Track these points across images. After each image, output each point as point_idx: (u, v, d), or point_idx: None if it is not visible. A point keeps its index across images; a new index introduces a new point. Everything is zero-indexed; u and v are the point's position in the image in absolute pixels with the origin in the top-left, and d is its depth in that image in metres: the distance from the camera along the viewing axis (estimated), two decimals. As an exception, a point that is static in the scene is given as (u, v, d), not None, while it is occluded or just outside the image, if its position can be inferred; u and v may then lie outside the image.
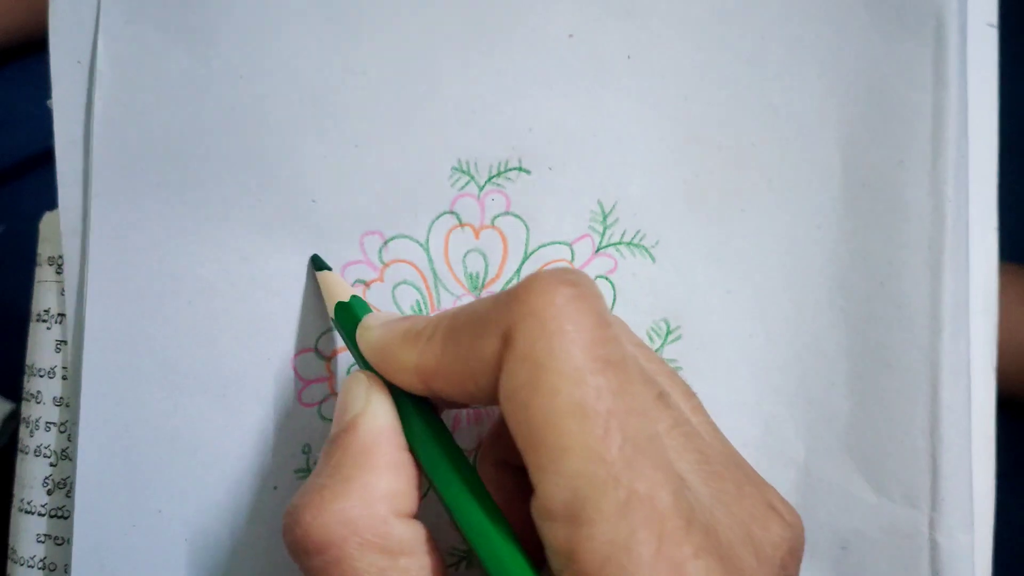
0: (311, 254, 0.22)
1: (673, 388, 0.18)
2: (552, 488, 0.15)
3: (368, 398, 0.18)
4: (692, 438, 0.17)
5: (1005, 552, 0.23)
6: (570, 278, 0.16)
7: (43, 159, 0.44)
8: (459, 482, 0.17)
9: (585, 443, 0.15)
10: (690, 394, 0.19)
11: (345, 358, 0.23)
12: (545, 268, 0.17)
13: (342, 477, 0.17)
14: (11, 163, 0.43)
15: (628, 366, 0.16)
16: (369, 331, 0.19)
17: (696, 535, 0.15)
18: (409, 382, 0.18)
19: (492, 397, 0.16)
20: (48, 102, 0.22)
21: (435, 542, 0.17)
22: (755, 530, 0.16)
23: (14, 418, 0.48)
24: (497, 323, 0.16)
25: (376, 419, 0.18)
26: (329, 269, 0.22)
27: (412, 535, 0.17)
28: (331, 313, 0.21)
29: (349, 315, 0.20)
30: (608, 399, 0.15)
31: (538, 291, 0.16)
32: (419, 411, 0.18)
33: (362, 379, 0.18)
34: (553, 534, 0.15)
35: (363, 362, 0.19)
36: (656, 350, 0.23)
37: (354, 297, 0.20)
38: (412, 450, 0.18)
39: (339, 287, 0.21)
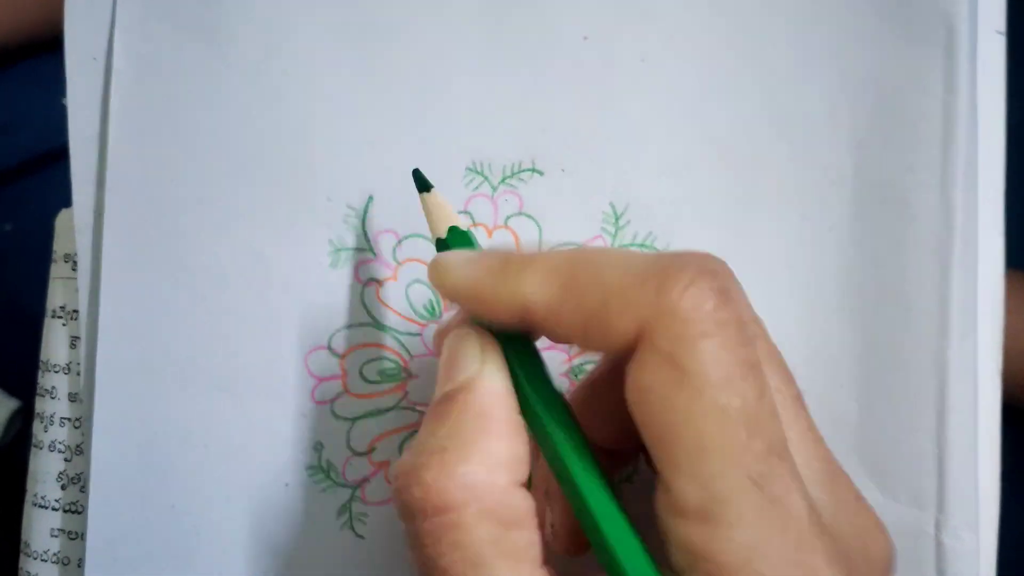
0: (413, 168, 0.20)
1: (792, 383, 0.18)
2: (688, 487, 0.15)
3: (484, 358, 0.17)
4: (818, 444, 0.17)
5: (1009, 554, 0.23)
6: (717, 268, 0.15)
7: (50, 158, 0.44)
8: (578, 459, 0.16)
9: (727, 445, 0.15)
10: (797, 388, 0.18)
11: (358, 357, 0.23)
12: (689, 255, 0.16)
13: (462, 440, 0.16)
14: (19, 162, 0.43)
15: (766, 367, 0.16)
16: (454, 270, 0.17)
17: (827, 543, 0.15)
18: (508, 318, 0.17)
19: (610, 351, 0.16)
20: (63, 99, 0.23)
21: (542, 518, 0.17)
22: (870, 544, 0.17)
23: (20, 415, 0.48)
24: (635, 308, 0.15)
25: (494, 381, 0.17)
26: (430, 188, 0.20)
27: (526, 507, 0.16)
28: (435, 240, 0.19)
29: (450, 247, 0.19)
30: (751, 403, 0.15)
31: (684, 287, 0.15)
32: (530, 373, 0.17)
33: (475, 337, 0.17)
34: (685, 533, 0.15)
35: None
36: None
37: (452, 228, 0.19)
38: (524, 416, 0.17)
39: (440, 214, 0.19)
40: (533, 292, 0.16)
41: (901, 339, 0.22)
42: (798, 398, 0.17)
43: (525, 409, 0.17)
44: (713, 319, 0.15)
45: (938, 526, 0.22)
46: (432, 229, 0.20)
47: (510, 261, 0.17)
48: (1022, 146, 0.24)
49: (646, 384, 0.15)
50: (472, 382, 0.17)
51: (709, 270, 0.15)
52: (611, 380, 0.17)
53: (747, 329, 0.15)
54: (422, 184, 0.20)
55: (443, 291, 0.18)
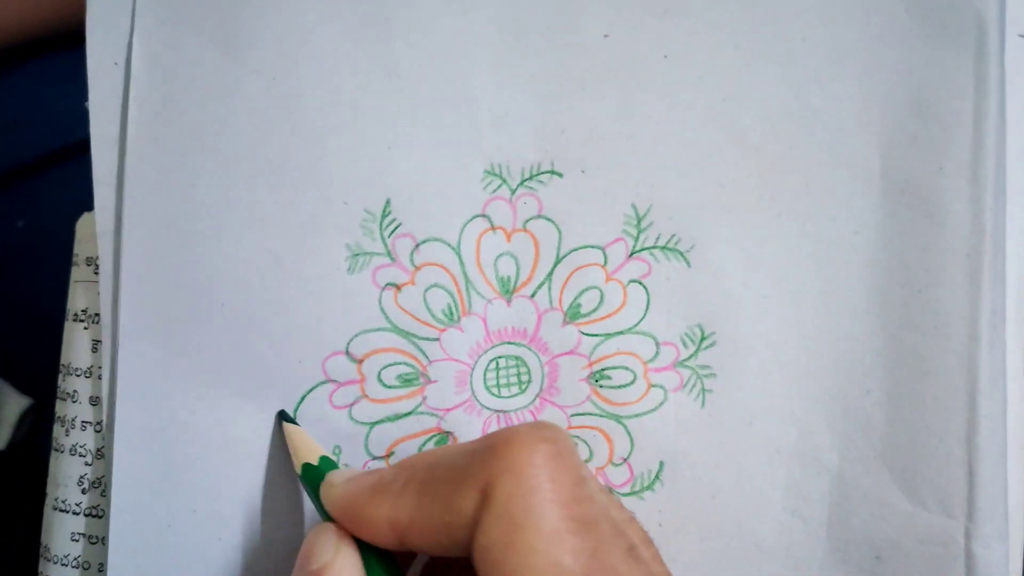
0: (278, 410, 0.23)
1: (636, 537, 0.19)
2: None
3: (337, 550, 0.19)
4: None
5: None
6: (548, 435, 0.17)
7: (64, 155, 0.45)
8: None
9: None
10: (649, 542, 0.20)
11: (376, 361, 0.23)
12: (522, 424, 0.18)
13: None
14: (32, 159, 0.44)
15: (601, 524, 0.17)
16: (333, 488, 0.19)
17: None
18: (380, 536, 0.18)
19: (467, 550, 0.17)
20: (85, 103, 0.23)
21: None
22: None
23: (32, 413, 0.49)
24: (475, 477, 0.17)
25: (341, 572, 0.18)
26: (295, 424, 0.23)
27: None
28: (298, 471, 0.22)
29: (317, 473, 0.21)
30: (583, 559, 0.16)
31: (517, 447, 0.17)
32: (386, 570, 0.19)
33: (331, 530, 0.19)
34: None
35: (328, 518, 0.20)
36: (690, 356, 0.24)
37: (323, 458, 0.21)
38: None
39: (306, 445, 0.22)
40: (394, 510, 0.18)
41: (930, 344, 0.22)
42: (632, 549, 0.18)
43: None
44: (546, 475, 0.16)
45: (968, 535, 0.22)
46: (300, 457, 0.22)
47: (377, 486, 0.18)
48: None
49: (486, 544, 0.16)
50: (320, 572, 0.18)
51: (542, 436, 0.17)
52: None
53: (583, 486, 0.17)
54: (287, 418, 0.23)
55: (328, 509, 0.19)
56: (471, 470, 0.17)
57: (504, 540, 0.16)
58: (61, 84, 0.42)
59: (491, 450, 0.17)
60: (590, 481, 0.17)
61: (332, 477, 0.20)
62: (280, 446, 0.23)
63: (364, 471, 0.20)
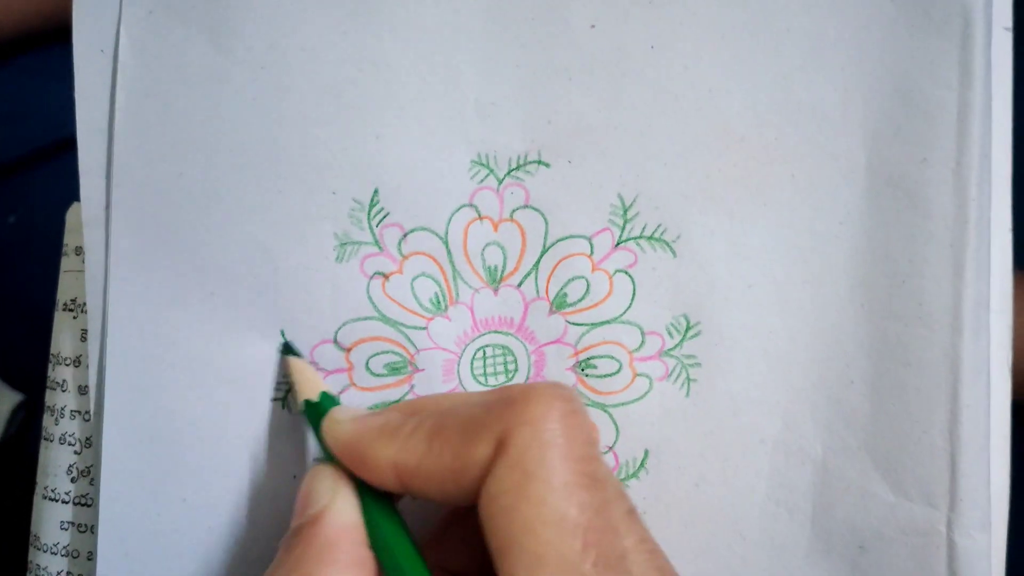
0: (281, 342, 0.23)
1: (631, 503, 0.20)
2: None
3: (335, 492, 0.19)
4: (655, 555, 0.19)
5: (1018, 553, 0.24)
6: (564, 393, 0.18)
7: (56, 150, 0.46)
8: None
9: (563, 554, 0.16)
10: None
11: (364, 350, 0.24)
12: (540, 382, 0.19)
13: (304, 573, 0.18)
14: (25, 153, 0.45)
15: (608, 484, 0.17)
16: (338, 425, 0.20)
17: None
18: (382, 478, 0.19)
19: (470, 499, 0.18)
20: (74, 91, 0.24)
21: None
22: None
23: (24, 408, 0.50)
24: (491, 427, 0.17)
25: (341, 514, 0.19)
26: (299, 356, 0.23)
27: None
28: (301, 406, 0.22)
29: (318, 409, 0.21)
30: (589, 514, 0.17)
31: (535, 401, 0.17)
32: (382, 509, 0.19)
33: (328, 472, 0.20)
34: None
35: (329, 456, 0.20)
36: (676, 346, 0.24)
37: (323, 394, 0.22)
38: (374, 549, 0.19)
39: (309, 380, 0.22)
40: (401, 453, 0.18)
41: (914, 335, 0.23)
42: (631, 512, 0.18)
43: (374, 544, 0.19)
44: (561, 431, 0.17)
45: (950, 525, 0.23)
46: (302, 392, 0.22)
47: (384, 428, 0.19)
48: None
49: (496, 491, 0.17)
50: (320, 515, 0.19)
51: (559, 394, 0.17)
52: (467, 511, 0.19)
53: (594, 446, 0.17)
54: (290, 351, 0.23)
55: (331, 445, 0.20)
56: (488, 420, 0.17)
57: (515, 489, 0.17)
58: (52, 79, 0.42)
59: (509, 402, 0.17)
60: (599, 444, 0.18)
61: (337, 413, 0.20)
62: (271, 434, 0.24)
63: (370, 411, 0.20)
